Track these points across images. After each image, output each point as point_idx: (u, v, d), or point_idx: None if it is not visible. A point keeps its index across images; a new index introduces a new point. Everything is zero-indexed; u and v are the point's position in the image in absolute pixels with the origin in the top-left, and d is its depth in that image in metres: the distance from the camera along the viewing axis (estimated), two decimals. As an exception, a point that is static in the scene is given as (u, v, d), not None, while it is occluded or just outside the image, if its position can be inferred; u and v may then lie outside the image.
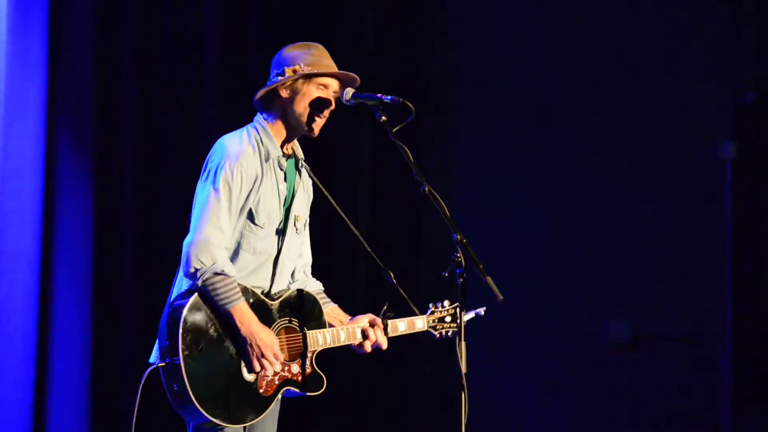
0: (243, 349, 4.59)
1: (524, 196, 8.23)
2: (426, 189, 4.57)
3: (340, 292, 5.07)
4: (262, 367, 4.59)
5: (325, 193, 4.93)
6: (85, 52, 6.73)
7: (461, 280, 4.55)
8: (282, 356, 4.65)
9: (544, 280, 8.11)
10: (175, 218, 4.73)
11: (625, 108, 8.04)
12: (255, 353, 4.58)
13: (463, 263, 4.53)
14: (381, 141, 5.09)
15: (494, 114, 8.32)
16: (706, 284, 7.80)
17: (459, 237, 4.49)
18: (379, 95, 4.73)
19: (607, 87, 8.08)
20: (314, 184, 4.95)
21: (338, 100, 4.84)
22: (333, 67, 4.80)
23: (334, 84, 4.81)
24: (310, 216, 4.94)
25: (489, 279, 4.48)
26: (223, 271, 4.53)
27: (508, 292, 4.57)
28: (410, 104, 4.65)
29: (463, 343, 4.40)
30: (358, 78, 4.84)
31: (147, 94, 7.01)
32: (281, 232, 4.77)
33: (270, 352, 4.60)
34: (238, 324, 4.56)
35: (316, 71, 4.74)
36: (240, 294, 4.57)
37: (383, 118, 4.70)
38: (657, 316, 7.93)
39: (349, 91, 4.81)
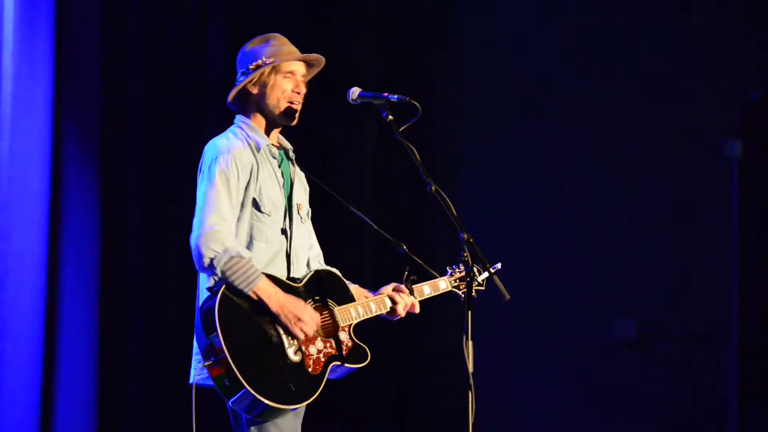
0: (279, 324, 4.57)
1: (530, 194, 8.22)
2: (433, 188, 4.57)
3: (352, 281, 5.07)
4: (304, 333, 4.56)
5: (319, 183, 4.94)
6: (91, 53, 6.72)
7: (468, 279, 4.57)
8: (318, 316, 4.64)
9: (550, 278, 8.11)
10: (182, 218, 4.73)
11: (632, 106, 8.03)
12: (291, 322, 4.56)
13: (470, 262, 4.54)
14: (387, 140, 5.08)
15: (500, 113, 8.31)
16: (713, 282, 7.79)
17: (466, 236, 4.49)
18: (385, 94, 4.74)
19: (613, 86, 8.07)
20: (307, 177, 4.96)
21: (340, 98, 4.84)
22: (295, 53, 4.81)
23: (300, 68, 4.82)
24: (312, 208, 4.95)
25: (496, 278, 4.49)
26: (238, 253, 4.52)
27: (514, 291, 4.57)
28: (417, 103, 4.65)
29: (470, 342, 4.40)
30: (322, 58, 4.86)
31: (153, 93, 7.01)
32: (288, 220, 4.77)
33: (305, 315, 4.58)
34: (266, 300, 4.54)
35: (278, 60, 4.75)
36: (259, 272, 4.55)
37: (390, 117, 4.70)
38: (663, 314, 7.93)
39: (356, 91, 4.82)
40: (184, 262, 4.71)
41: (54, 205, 6.53)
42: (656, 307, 7.94)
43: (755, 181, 7.75)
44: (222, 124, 4.91)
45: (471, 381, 4.36)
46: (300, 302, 4.62)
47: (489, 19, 8.41)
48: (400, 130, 4.66)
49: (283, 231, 4.74)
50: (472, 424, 4.35)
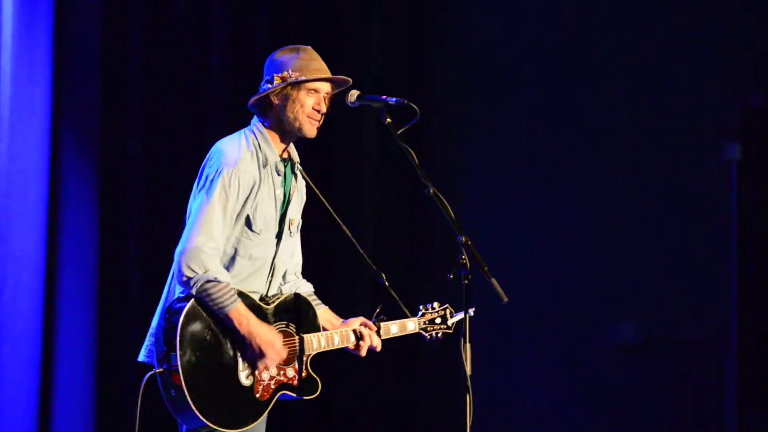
0: (243, 349, 4.57)
1: (531, 198, 8.22)
2: (431, 191, 4.56)
3: (342, 292, 5.06)
4: (267, 365, 4.58)
5: (322, 198, 4.92)
6: (90, 55, 6.72)
7: (466, 282, 4.55)
8: (285, 352, 4.64)
9: (551, 282, 8.11)
10: (180, 221, 4.71)
11: (633, 111, 8.03)
12: (256, 352, 4.57)
13: (468, 265, 4.53)
14: (386, 143, 5.08)
15: (500, 116, 8.31)
16: (712, 286, 7.79)
17: (464, 239, 4.48)
18: (384, 97, 4.73)
19: (614, 90, 8.07)
20: (308, 186, 4.95)
21: (338, 101, 4.82)
22: (322, 71, 4.77)
23: (325, 86, 4.78)
24: (307, 218, 4.94)
25: (494, 281, 4.48)
26: (216, 278, 4.51)
27: (515, 294, 4.57)
28: (415, 106, 4.64)
29: (468, 344, 4.39)
30: (349, 79, 4.81)
31: (153, 96, 7.00)
32: (277, 238, 4.77)
33: (271, 349, 4.58)
34: (237, 325, 4.55)
35: (303, 78, 4.72)
36: (236, 296, 4.55)
37: (388, 120, 4.70)
38: (664, 318, 7.92)
39: (354, 93, 4.80)
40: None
41: (52, 208, 6.52)
42: (657, 311, 7.94)
43: (755, 185, 7.74)
44: (222, 127, 4.90)
45: (469, 383, 4.35)
46: (271, 332, 4.62)
47: (492, 23, 8.41)
48: (399, 132, 4.65)
49: (268, 251, 4.74)
50: (470, 427, 4.34)
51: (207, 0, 7.29)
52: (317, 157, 7.61)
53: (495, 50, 8.38)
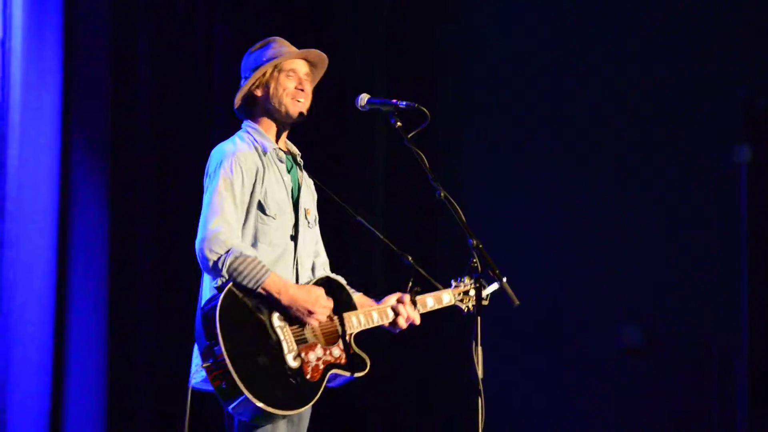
0: (290, 318, 4.56)
1: (537, 201, 8.23)
2: (442, 194, 4.57)
3: (358, 289, 5.06)
4: (319, 320, 4.58)
5: (327, 191, 4.94)
6: (99, 61, 6.74)
7: (477, 285, 4.56)
8: (331, 302, 4.64)
9: (557, 285, 8.11)
10: (191, 223, 4.72)
11: (639, 113, 8.03)
12: (303, 315, 4.56)
13: (479, 268, 4.54)
14: (396, 146, 5.09)
15: (506, 121, 8.31)
16: (722, 289, 7.79)
17: (475, 242, 4.49)
18: (394, 101, 4.75)
19: (619, 93, 8.07)
20: (316, 185, 4.97)
21: (350, 106, 4.84)
22: (295, 53, 4.83)
23: (302, 67, 4.84)
24: (320, 216, 4.95)
25: (506, 284, 4.49)
26: (242, 252, 4.51)
27: (521, 297, 4.57)
28: (425, 110, 4.65)
29: (479, 347, 4.39)
30: (323, 55, 4.87)
31: (162, 100, 7.02)
32: (295, 224, 4.77)
33: (318, 306, 4.58)
34: (276, 295, 4.54)
35: (277, 57, 4.78)
36: (267, 268, 4.54)
37: (398, 123, 4.71)
38: (671, 321, 7.92)
39: (365, 97, 4.82)
40: (194, 270, 4.71)
41: (63, 213, 6.54)
42: (664, 313, 7.94)
43: (764, 186, 7.74)
44: (229, 132, 4.92)
45: (480, 386, 4.36)
46: (312, 293, 4.62)
47: (495, 27, 8.41)
48: (409, 136, 4.66)
49: (290, 235, 4.74)
50: (482, 430, 4.35)
51: (212, 4, 7.30)
52: (326, 160, 7.64)
53: (496, 55, 8.38)
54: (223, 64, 7.25)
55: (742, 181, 7.70)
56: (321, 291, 4.65)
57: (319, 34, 7.77)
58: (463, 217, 4.54)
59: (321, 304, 4.61)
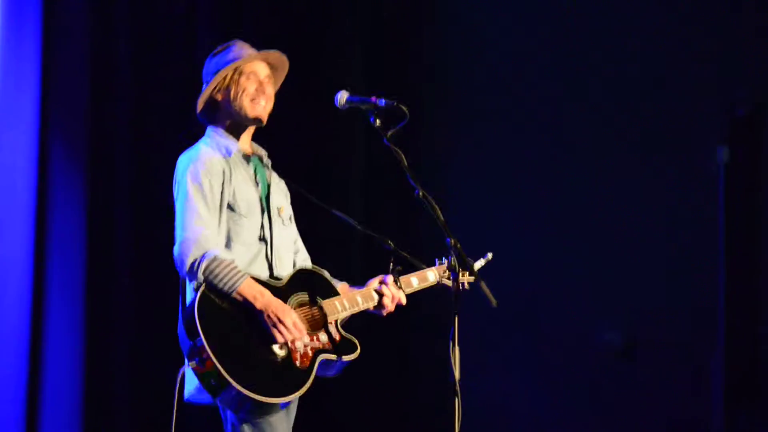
0: (263, 323, 4.54)
1: (517, 201, 8.22)
2: (420, 193, 4.57)
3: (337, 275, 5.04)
4: (284, 336, 4.54)
5: (297, 187, 4.94)
6: (78, 62, 6.74)
7: (455, 284, 4.55)
8: (303, 325, 4.61)
9: (537, 286, 8.10)
10: (169, 224, 4.71)
11: (620, 114, 8.03)
12: (273, 323, 4.54)
13: (457, 268, 4.53)
14: (375, 144, 5.08)
15: (488, 119, 8.31)
16: (699, 291, 7.79)
17: (453, 241, 4.49)
18: (373, 99, 4.74)
19: (601, 96, 8.07)
20: (288, 183, 4.96)
21: (329, 107, 4.83)
22: (255, 55, 4.84)
23: (262, 69, 4.85)
24: (298, 214, 4.94)
25: (483, 284, 4.49)
26: (217, 257, 4.51)
27: (501, 299, 4.56)
28: (405, 108, 4.64)
29: (456, 348, 4.38)
30: (284, 57, 4.90)
31: (142, 103, 7.02)
32: (268, 222, 4.75)
33: (288, 318, 4.55)
34: (251, 300, 4.54)
35: (236, 59, 4.79)
36: (243, 272, 4.54)
37: (377, 122, 4.70)
38: (650, 322, 7.92)
39: (344, 96, 4.82)
40: (172, 266, 4.69)
41: (40, 212, 6.54)
42: (643, 314, 7.94)
43: (742, 188, 7.75)
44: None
45: (458, 388, 4.34)
46: (285, 306, 4.59)
47: (477, 24, 8.41)
48: (388, 134, 4.65)
49: (264, 233, 4.73)
50: (459, 431, 4.33)
51: (194, 7, 7.28)
52: (304, 160, 7.62)
53: (482, 54, 8.38)
54: (204, 44, 7.22)
55: (721, 182, 7.71)
56: (296, 314, 4.62)
57: (302, 38, 7.77)
58: (441, 215, 4.53)
59: (292, 319, 4.57)
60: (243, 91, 4.78)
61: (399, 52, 8.42)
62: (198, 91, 4.89)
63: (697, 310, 7.78)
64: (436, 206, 4.54)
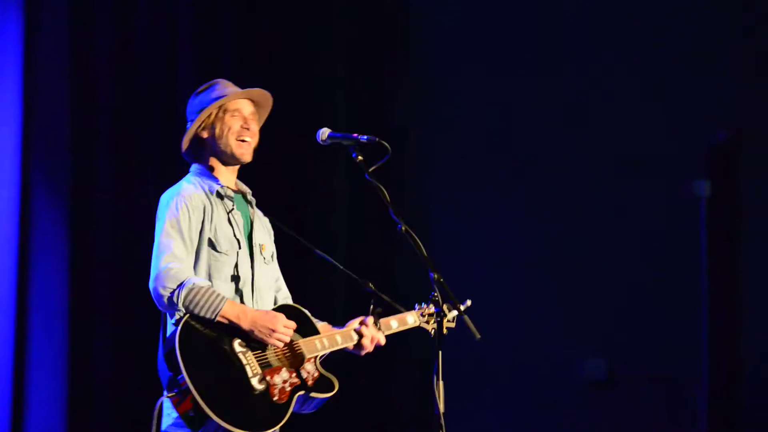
0: (253, 341, 4.57)
1: (499, 235, 8.23)
2: (403, 228, 4.58)
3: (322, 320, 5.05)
4: (282, 340, 4.59)
5: (280, 225, 4.95)
6: (60, 72, 6.78)
7: (439, 318, 4.57)
8: (293, 324, 4.64)
9: (520, 319, 8.11)
10: (150, 241, 4.73)
11: (600, 146, 8.06)
12: (266, 336, 4.57)
13: (441, 302, 4.55)
14: (358, 180, 5.10)
15: (469, 153, 8.32)
16: (682, 322, 7.81)
17: (436, 276, 4.50)
18: (355, 135, 4.76)
19: (580, 126, 8.10)
20: (272, 222, 4.98)
21: (312, 142, 4.85)
22: (239, 92, 4.86)
23: (246, 106, 4.87)
24: (280, 253, 4.95)
25: (467, 318, 4.49)
26: (194, 284, 4.53)
27: (483, 331, 4.57)
28: (386, 144, 4.67)
29: (440, 382, 4.39)
30: (267, 93, 4.92)
31: (123, 115, 7.06)
32: (249, 259, 4.77)
33: (278, 325, 4.58)
34: (236, 321, 4.56)
35: (221, 97, 4.81)
36: (222, 296, 4.56)
37: (359, 157, 4.72)
38: (634, 354, 7.93)
39: (326, 132, 4.84)
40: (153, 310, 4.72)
41: (23, 226, 6.56)
42: (627, 347, 7.95)
43: (724, 221, 7.79)
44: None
45: (442, 421, 4.35)
46: (271, 314, 4.63)
47: (458, 56, 8.43)
48: (370, 170, 4.67)
49: (245, 271, 4.75)
50: (443, 465, 4.34)
51: (174, 26, 7.32)
52: (287, 196, 7.64)
53: (458, 86, 8.38)
54: (185, 78, 7.25)
55: (702, 214, 7.75)
56: (281, 314, 4.66)
57: (279, 69, 7.79)
58: (424, 250, 4.54)
59: (282, 323, 4.61)
60: (228, 130, 4.81)
61: (378, 89, 8.43)
62: (181, 128, 4.90)
63: (680, 342, 7.80)
64: (419, 241, 4.55)
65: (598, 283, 8.01)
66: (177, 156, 4.99)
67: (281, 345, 4.60)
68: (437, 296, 4.53)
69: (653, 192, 7.92)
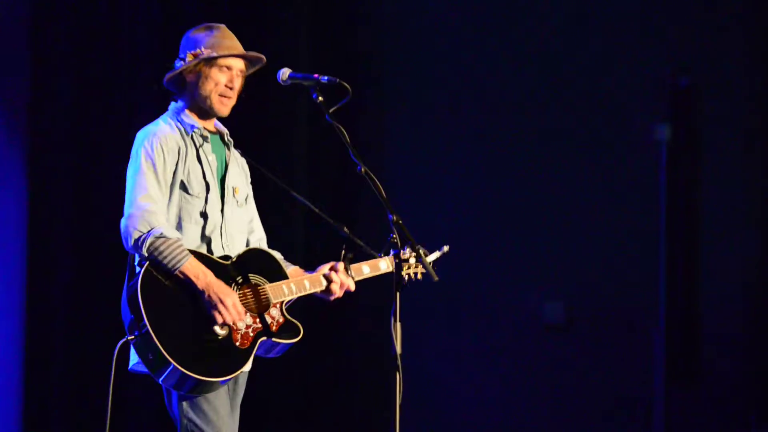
0: (204, 303, 4.55)
1: (460, 178, 8.25)
2: (363, 169, 4.56)
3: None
4: (224, 317, 4.55)
5: (259, 167, 4.93)
6: (19, 61, 6.73)
7: (397, 260, 4.57)
8: (243, 308, 4.62)
9: (478, 262, 8.14)
10: (111, 219, 4.72)
11: (561, 91, 8.08)
12: (214, 303, 4.55)
13: (399, 244, 4.55)
14: (317, 121, 5.08)
15: (430, 95, 8.32)
16: (640, 265, 7.87)
17: (395, 218, 4.50)
18: (315, 75, 4.73)
19: (542, 72, 8.11)
20: (250, 164, 4.95)
21: (271, 79, 4.82)
22: (235, 48, 4.80)
23: (237, 64, 4.81)
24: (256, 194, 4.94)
25: (425, 259, 4.50)
26: (162, 233, 4.52)
27: (442, 275, 4.58)
28: (347, 85, 4.65)
29: (398, 323, 4.40)
30: (262, 57, 4.86)
31: (83, 104, 6.98)
32: (221, 202, 4.76)
33: (229, 299, 4.56)
34: (194, 279, 4.54)
35: (215, 54, 4.74)
36: (187, 252, 4.55)
37: (320, 98, 4.69)
38: (591, 297, 7.99)
39: (286, 72, 4.80)
40: (115, 263, 4.70)
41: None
42: (584, 290, 8.00)
43: (683, 165, 7.82)
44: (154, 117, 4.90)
45: (399, 362, 4.36)
46: (227, 288, 4.61)
47: (417, 7, 8.40)
48: (330, 111, 4.65)
49: (216, 213, 4.73)
50: (399, 406, 4.36)
51: (135, 5, 7.23)
52: (249, 136, 7.60)
53: (419, 28, 8.37)
54: (147, 65, 7.16)
55: (662, 159, 7.78)
56: (235, 294, 4.62)
57: (243, 12, 7.73)
58: (383, 192, 4.54)
59: (232, 301, 4.58)
60: (214, 83, 4.75)
61: (342, 31, 8.39)
62: (156, 91, 4.86)
63: (639, 285, 7.86)
64: (379, 183, 4.54)
65: (556, 227, 8.05)
66: (140, 126, 4.92)
67: (220, 320, 4.55)
68: (395, 238, 4.53)
69: (615, 136, 7.95)
